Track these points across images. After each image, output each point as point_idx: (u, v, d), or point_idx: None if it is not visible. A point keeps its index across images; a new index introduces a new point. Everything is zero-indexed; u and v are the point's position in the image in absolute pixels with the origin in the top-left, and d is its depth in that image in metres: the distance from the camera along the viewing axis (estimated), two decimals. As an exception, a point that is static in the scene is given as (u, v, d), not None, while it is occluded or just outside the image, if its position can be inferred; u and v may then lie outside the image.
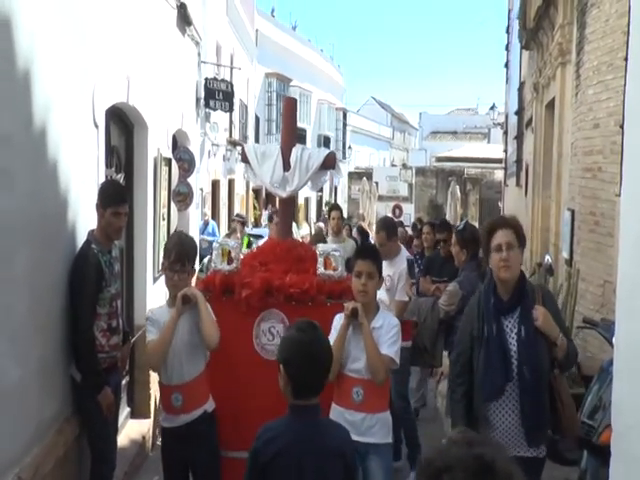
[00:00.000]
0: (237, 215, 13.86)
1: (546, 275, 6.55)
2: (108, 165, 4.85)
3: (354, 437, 3.35)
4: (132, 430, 5.22)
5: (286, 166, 4.41)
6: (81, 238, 3.89)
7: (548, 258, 6.74)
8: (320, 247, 4.24)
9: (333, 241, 7.34)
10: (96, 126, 4.27)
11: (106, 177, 4.63)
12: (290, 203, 4.83)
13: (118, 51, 4.79)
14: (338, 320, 3.53)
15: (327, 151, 4.65)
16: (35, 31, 3.16)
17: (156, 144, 6.02)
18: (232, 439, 3.82)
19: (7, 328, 2.99)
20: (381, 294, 4.85)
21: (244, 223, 12.85)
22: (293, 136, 4.67)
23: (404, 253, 5.56)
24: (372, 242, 9.22)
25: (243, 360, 4.01)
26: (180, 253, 3.60)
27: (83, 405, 3.85)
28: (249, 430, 3.79)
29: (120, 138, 5.43)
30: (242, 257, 4.31)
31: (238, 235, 10.81)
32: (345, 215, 26.03)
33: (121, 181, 5.27)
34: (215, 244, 4.34)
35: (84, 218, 3.98)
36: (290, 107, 4.81)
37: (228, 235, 10.99)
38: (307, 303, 3.99)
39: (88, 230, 3.89)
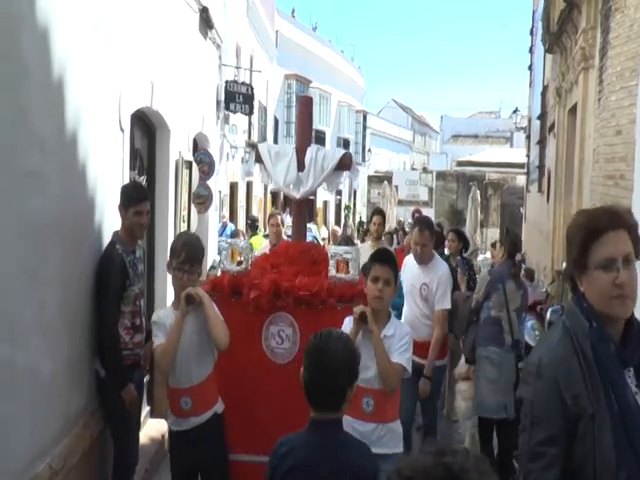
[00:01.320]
0: (249, 218, 14.17)
1: (564, 283, 6.67)
2: (131, 168, 5.06)
3: None
4: (152, 428, 5.42)
5: (300, 166, 4.40)
6: (106, 238, 4.09)
7: (565, 265, 6.84)
8: (332, 249, 4.23)
9: (372, 247, 7.01)
10: (122, 130, 4.48)
11: (131, 180, 4.84)
12: (304, 204, 4.78)
13: (143, 57, 5.00)
14: (347, 324, 3.48)
15: (343, 151, 4.64)
16: (68, 44, 3.38)
17: (178, 147, 6.24)
18: (240, 442, 3.87)
19: (41, 323, 3.20)
20: (415, 305, 4.90)
21: (257, 227, 13.07)
22: (308, 136, 4.66)
23: (438, 258, 5.17)
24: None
25: (252, 363, 4.00)
26: (190, 253, 3.61)
27: (107, 400, 4.03)
28: (257, 434, 3.90)
29: (143, 141, 5.64)
30: (253, 259, 4.35)
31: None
32: (364, 219, 26.22)
33: (143, 183, 5.49)
34: (224, 244, 4.36)
35: (110, 219, 4.18)
36: (306, 106, 4.80)
37: (265, 236, 11.23)
38: (317, 306, 3.96)
39: (113, 231, 4.10)
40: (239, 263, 4.14)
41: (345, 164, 4.48)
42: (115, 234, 4.08)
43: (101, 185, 4.03)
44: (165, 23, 5.83)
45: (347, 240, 7.74)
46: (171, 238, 6.05)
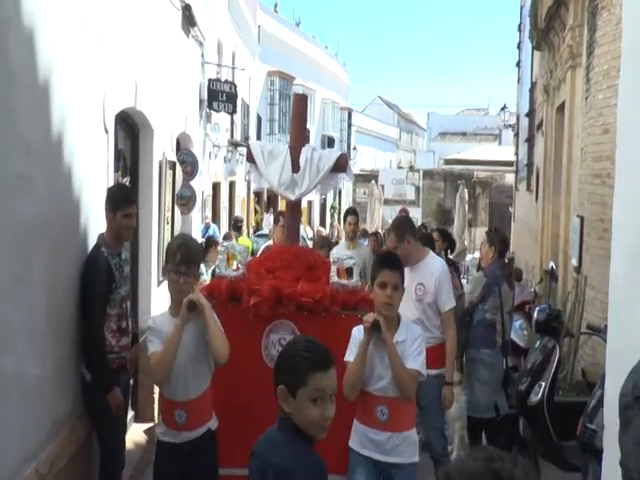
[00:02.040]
0: (235, 219, 14.10)
1: (550, 282, 6.84)
2: (115, 169, 5.13)
3: (378, 456, 3.41)
4: (136, 433, 5.48)
5: (295, 167, 4.34)
6: (92, 241, 4.16)
7: (552, 264, 7.03)
8: (334, 254, 4.25)
9: (346, 246, 7.29)
10: (106, 131, 4.55)
11: (115, 181, 4.91)
12: (297, 207, 4.74)
13: (126, 56, 5.08)
14: (357, 334, 3.44)
15: (338, 153, 4.59)
16: (53, 45, 3.45)
17: (161, 148, 6.31)
18: (238, 455, 3.59)
19: (28, 327, 3.27)
20: (407, 308, 4.12)
21: (241, 228, 13.01)
22: (303, 135, 4.62)
23: (432, 256, 4.81)
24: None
25: (251, 372, 3.91)
26: (186, 254, 3.53)
27: (93, 404, 4.09)
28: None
29: (126, 142, 5.71)
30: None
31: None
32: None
33: (127, 185, 5.55)
34: (220, 248, 4.27)
35: (95, 221, 4.25)
36: (300, 104, 4.75)
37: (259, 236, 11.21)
38: (320, 314, 3.91)
39: (98, 234, 4.17)
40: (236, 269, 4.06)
41: (341, 166, 4.45)
42: (100, 236, 4.15)
43: (86, 187, 4.10)
44: (148, 21, 5.90)
45: (324, 242, 7.85)
46: (155, 240, 6.13)
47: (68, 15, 3.70)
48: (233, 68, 15.45)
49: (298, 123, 4.68)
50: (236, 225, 13.24)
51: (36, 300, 3.37)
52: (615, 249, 2.69)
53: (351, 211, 7.85)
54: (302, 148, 4.42)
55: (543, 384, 4.68)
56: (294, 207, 4.67)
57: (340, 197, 33.13)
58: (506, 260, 5.72)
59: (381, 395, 3.35)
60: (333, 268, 4.04)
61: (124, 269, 4.26)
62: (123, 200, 4.14)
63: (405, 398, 3.35)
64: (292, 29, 26.60)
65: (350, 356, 3.41)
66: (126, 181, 5.63)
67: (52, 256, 3.56)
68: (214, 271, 5.07)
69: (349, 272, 4.14)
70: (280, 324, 3.97)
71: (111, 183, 4.72)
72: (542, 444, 4.73)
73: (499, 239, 5.60)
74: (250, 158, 4.53)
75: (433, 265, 4.62)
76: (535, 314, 5.10)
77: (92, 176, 4.26)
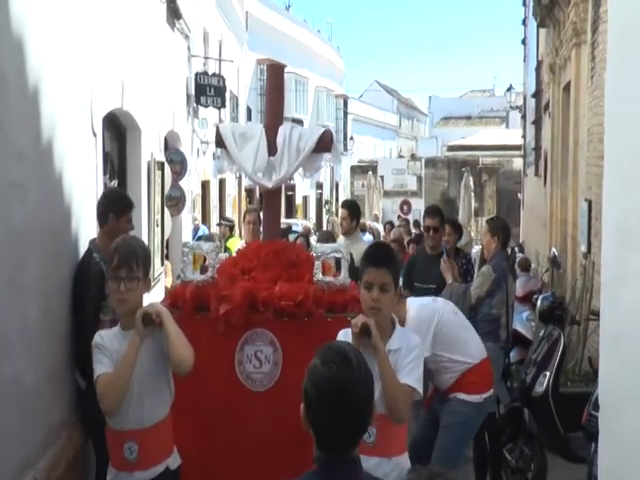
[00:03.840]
0: (223, 219, 13.73)
1: (553, 269, 7.04)
2: (103, 172, 5.38)
3: None
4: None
5: (272, 149, 4.06)
6: (82, 247, 4.41)
7: (554, 250, 7.23)
8: (317, 247, 3.90)
9: (345, 242, 7.06)
10: (94, 134, 4.80)
11: (105, 185, 5.16)
12: (276, 196, 4.42)
13: (112, 57, 5.32)
14: (343, 338, 3.10)
15: (321, 130, 4.25)
16: (42, 50, 3.70)
17: (149, 148, 6.55)
18: None
19: (23, 334, 3.51)
20: None
21: (232, 228, 12.88)
22: (279, 112, 4.25)
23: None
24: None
25: (223, 393, 3.67)
26: (125, 254, 3.13)
27: (88, 411, 4.28)
28: (234, 478, 3.51)
29: (113, 144, 5.95)
30: (218, 265, 3.92)
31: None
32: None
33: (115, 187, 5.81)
34: (185, 249, 3.89)
35: (85, 227, 4.51)
36: (276, 75, 4.37)
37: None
38: (303, 318, 3.65)
39: (89, 239, 4.42)
40: (203, 270, 3.78)
41: (325, 144, 4.13)
42: (92, 242, 4.39)
43: (76, 192, 4.35)
44: (133, 19, 6.14)
45: (328, 236, 7.93)
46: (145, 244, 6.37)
47: (55, 20, 3.95)
48: (220, 60, 15.63)
49: (273, 97, 4.29)
50: (230, 226, 12.80)
51: (30, 306, 3.61)
52: (606, 228, 2.93)
53: (343, 204, 7.75)
54: (279, 127, 4.11)
55: (548, 374, 4.89)
56: (272, 196, 4.33)
57: (337, 191, 33.33)
58: (509, 250, 5.81)
59: None
60: (317, 263, 3.74)
61: (117, 274, 4.51)
62: (127, 205, 4.42)
63: (395, 421, 3.02)
64: (281, 13, 26.80)
65: None
66: (114, 184, 5.87)
67: (45, 262, 3.80)
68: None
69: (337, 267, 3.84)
70: (256, 334, 3.70)
71: (100, 186, 4.97)
72: (548, 436, 4.91)
73: (502, 228, 5.56)
74: (220, 142, 4.21)
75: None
76: (538, 303, 5.31)
77: (81, 180, 4.50)
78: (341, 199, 29.27)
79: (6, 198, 3.28)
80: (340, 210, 7.57)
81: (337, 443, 1.95)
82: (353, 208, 7.05)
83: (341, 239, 7.71)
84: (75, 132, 4.38)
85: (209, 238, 10.99)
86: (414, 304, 4.04)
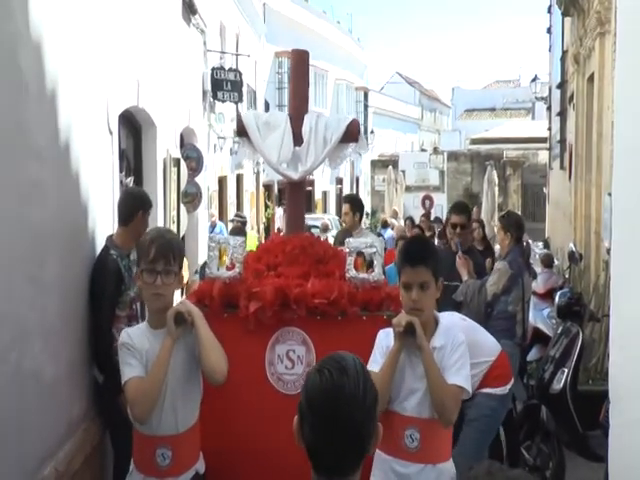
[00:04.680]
0: (236, 215, 13.90)
1: (571, 264, 7.10)
2: (119, 169, 5.55)
3: None
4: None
5: (297, 140, 4.00)
6: (99, 243, 4.58)
7: (571, 246, 7.28)
8: (351, 242, 3.76)
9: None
10: (110, 132, 4.97)
11: (120, 182, 5.34)
12: (301, 188, 4.35)
13: (128, 54, 5.49)
14: (384, 339, 3.07)
15: (348, 119, 4.19)
16: (59, 53, 3.87)
17: (165, 144, 6.72)
18: None
19: (42, 328, 3.69)
20: None
21: (245, 224, 12.72)
22: (304, 101, 4.18)
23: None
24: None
25: (252, 395, 3.60)
26: (163, 247, 3.02)
27: (105, 406, 4.49)
28: None
29: (128, 141, 6.13)
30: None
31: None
32: (369, 210, 26.49)
33: (131, 184, 5.99)
34: (211, 243, 3.78)
35: (101, 223, 4.68)
36: (300, 62, 4.26)
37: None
38: (336, 317, 3.56)
39: (106, 236, 4.59)
40: (229, 267, 3.66)
41: (352, 134, 4.06)
42: (109, 239, 4.56)
43: (94, 190, 4.52)
44: (149, 16, 6.30)
45: (346, 235, 8.00)
46: (179, 237, 6.55)
47: (71, 20, 4.12)
48: (237, 55, 15.76)
49: (298, 86, 4.20)
50: (242, 222, 12.56)
51: (49, 302, 3.78)
52: (615, 224, 3.02)
53: (345, 199, 7.66)
54: (305, 116, 4.06)
55: (566, 371, 4.96)
56: (297, 188, 4.27)
57: (358, 186, 33.37)
58: (524, 243, 5.88)
59: (412, 415, 2.95)
60: (349, 259, 3.64)
61: (133, 270, 4.67)
62: (149, 201, 4.66)
63: (443, 423, 2.94)
64: (300, 4, 26.84)
65: (374, 366, 2.99)
66: (130, 181, 6.05)
67: (63, 259, 3.98)
68: (203, 272, 4.71)
69: (369, 264, 3.72)
70: (287, 333, 3.63)
71: (116, 184, 5.14)
72: (566, 433, 4.98)
73: (514, 224, 5.65)
74: (241, 131, 4.14)
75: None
76: (557, 299, 5.38)
77: (98, 178, 4.68)
78: (362, 194, 29.36)
79: (26, 197, 3.45)
80: (343, 205, 7.45)
81: (331, 464, 1.78)
82: (355, 202, 7.05)
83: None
84: (92, 130, 4.55)
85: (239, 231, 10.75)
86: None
